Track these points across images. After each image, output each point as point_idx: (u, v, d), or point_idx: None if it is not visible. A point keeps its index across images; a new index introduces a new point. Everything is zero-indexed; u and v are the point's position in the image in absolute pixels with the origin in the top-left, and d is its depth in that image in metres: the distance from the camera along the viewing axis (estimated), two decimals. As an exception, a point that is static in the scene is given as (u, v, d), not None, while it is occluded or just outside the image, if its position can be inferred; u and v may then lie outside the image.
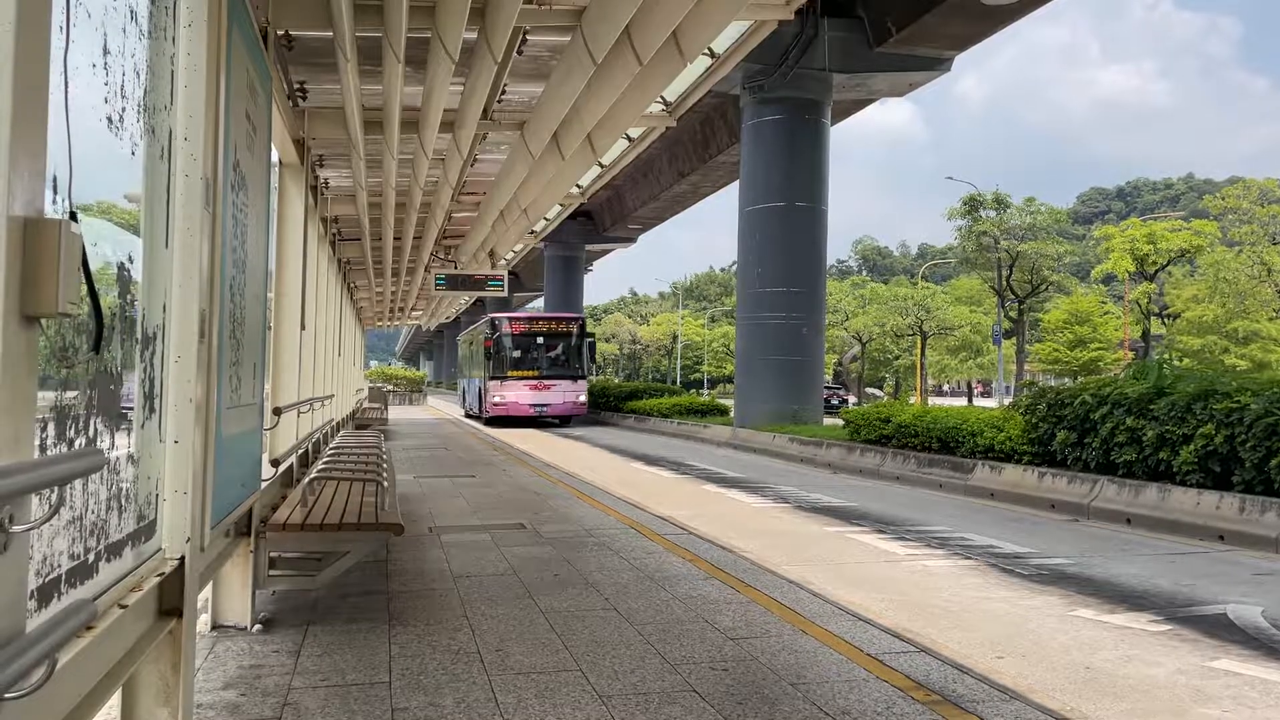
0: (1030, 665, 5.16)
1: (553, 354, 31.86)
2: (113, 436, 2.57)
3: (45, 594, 2.09)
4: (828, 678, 4.49)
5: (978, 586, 7.16)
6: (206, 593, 5.13)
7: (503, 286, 19.10)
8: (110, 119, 2.45)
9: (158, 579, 2.93)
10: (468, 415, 37.56)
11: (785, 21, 7.68)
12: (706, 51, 8.47)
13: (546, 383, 31.12)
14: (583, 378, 32.29)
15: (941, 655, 4.89)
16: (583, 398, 32.05)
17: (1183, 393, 10.50)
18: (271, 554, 5.51)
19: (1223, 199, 43.59)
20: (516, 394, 30.77)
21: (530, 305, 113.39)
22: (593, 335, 33.34)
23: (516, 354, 31.38)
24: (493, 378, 31.01)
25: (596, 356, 34.91)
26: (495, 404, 30.78)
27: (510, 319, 32.71)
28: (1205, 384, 10.51)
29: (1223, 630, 5.90)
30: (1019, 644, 5.58)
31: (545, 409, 31.05)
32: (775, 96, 22.69)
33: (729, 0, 6.11)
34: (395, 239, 15.23)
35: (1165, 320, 50.14)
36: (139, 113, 2.73)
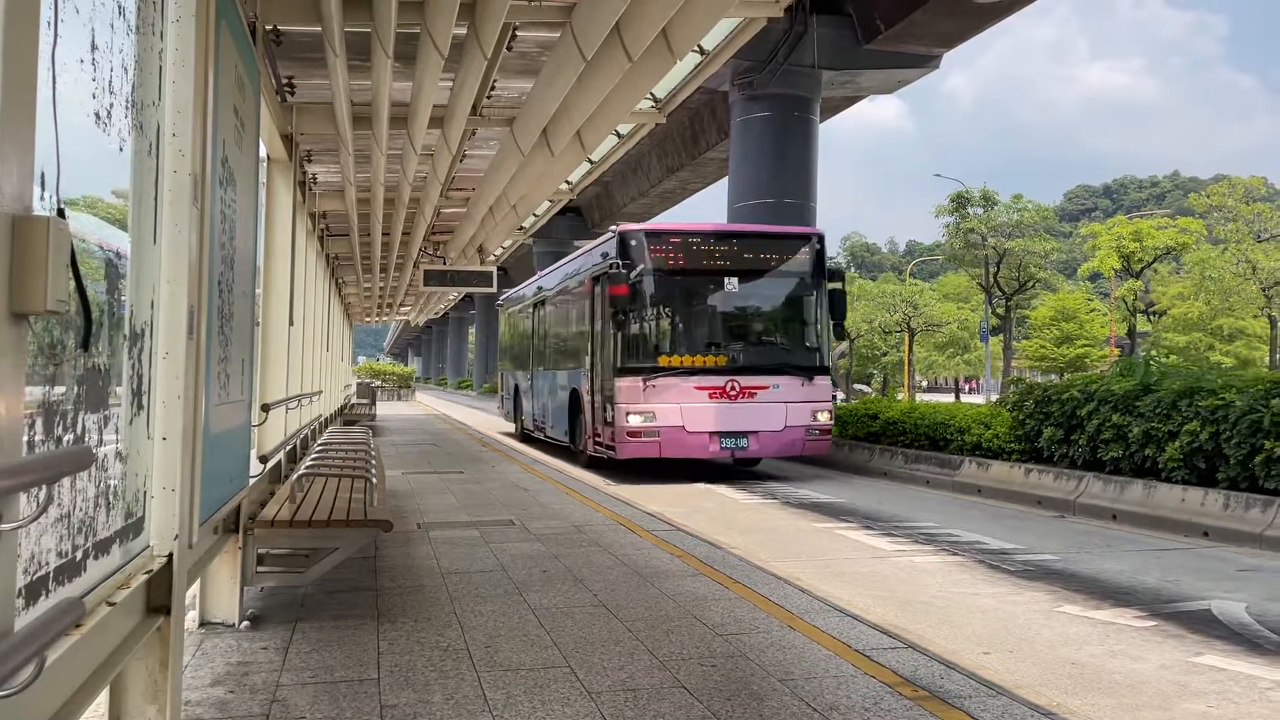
0: (1017, 661, 5.19)
1: (759, 319, 15.16)
2: (101, 433, 2.56)
3: (33, 592, 2.08)
4: (816, 674, 4.51)
5: (965, 582, 7.19)
6: (194, 589, 5.12)
7: (492, 282, 19.10)
8: (98, 115, 2.44)
9: (146, 576, 2.93)
10: (527, 437, 21.33)
11: (775, 19, 7.69)
12: (696, 48, 8.48)
13: (745, 384, 13.94)
14: (822, 370, 14.71)
15: (929, 651, 4.92)
16: (823, 416, 14.48)
17: (1168, 389, 10.56)
18: (260, 550, 5.50)
19: (1208, 197, 43.86)
20: (680, 408, 13.68)
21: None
22: (841, 277, 15.17)
23: (682, 317, 14.78)
24: (622, 371, 13.87)
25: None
26: (630, 429, 13.60)
27: (663, 237, 14.45)
28: (1191, 381, 10.57)
29: (1207, 625, 5.94)
30: (1006, 640, 5.61)
31: (746, 443, 13.97)
32: (764, 93, 22.70)
33: (719, -3, 6.10)
34: (384, 234, 15.20)
35: (1151, 317, 50.42)
36: (127, 108, 2.72)
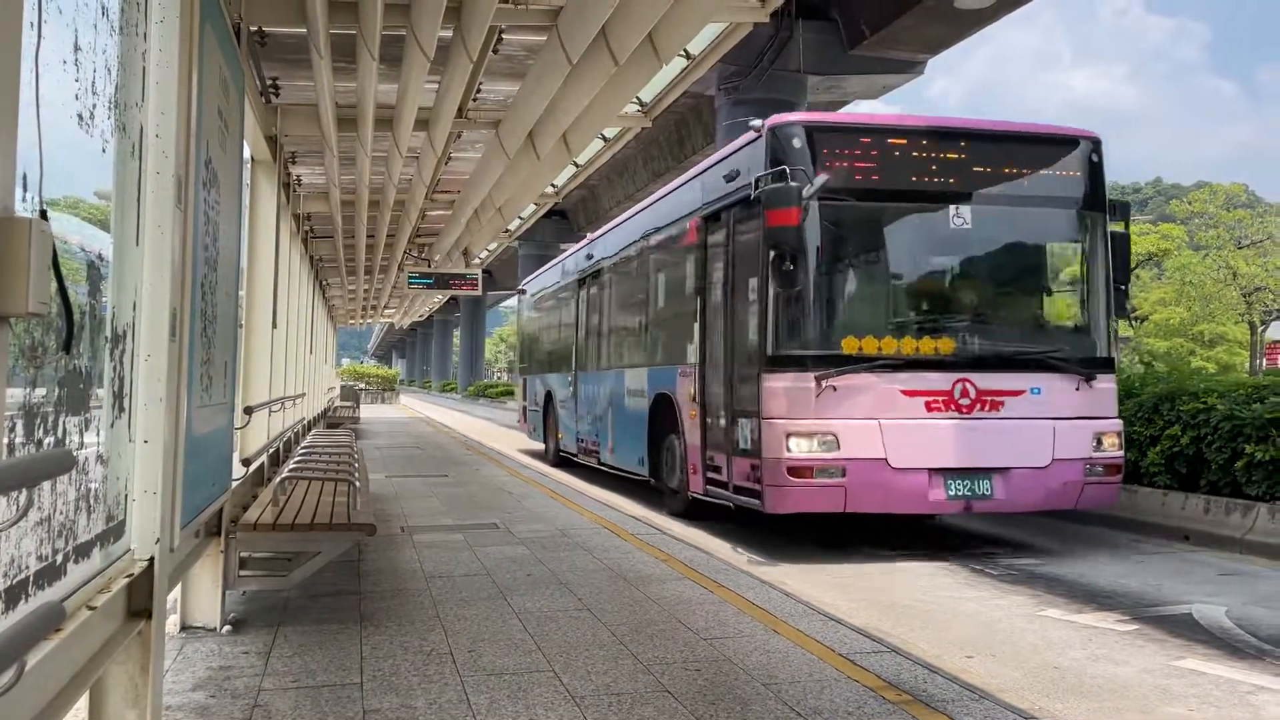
0: (1000, 665, 5.21)
1: (1004, 278, 9.14)
2: (82, 436, 2.54)
3: (13, 596, 2.07)
4: (799, 678, 4.51)
5: (948, 586, 7.21)
6: (176, 593, 5.08)
7: (477, 284, 19.07)
8: (81, 116, 2.43)
9: (126, 580, 2.91)
10: (565, 461, 16.17)
11: (760, 23, 7.72)
12: (682, 53, 8.51)
13: (985, 386, 8.19)
14: (1105, 365, 8.80)
15: (912, 655, 4.93)
16: (1111, 443, 8.51)
17: (1150, 393, 10.63)
18: (242, 554, 5.47)
19: (1190, 203, 44.37)
20: (879, 427, 7.91)
21: (504, 305, 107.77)
22: (1125, 214, 9.30)
23: (876, 273, 8.91)
24: (776, 363, 8.07)
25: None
26: (793, 463, 7.79)
27: (848, 135, 8.48)
28: (1173, 385, 10.64)
29: (1188, 630, 5.98)
30: (989, 644, 5.64)
31: (989, 487, 8.08)
32: (750, 98, 22.75)
33: (705, 2, 6.14)
34: (368, 237, 15.17)
35: (1133, 323, 50.79)
36: (110, 109, 2.71)
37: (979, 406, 8.12)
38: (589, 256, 15.18)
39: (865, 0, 20.98)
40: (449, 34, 6.50)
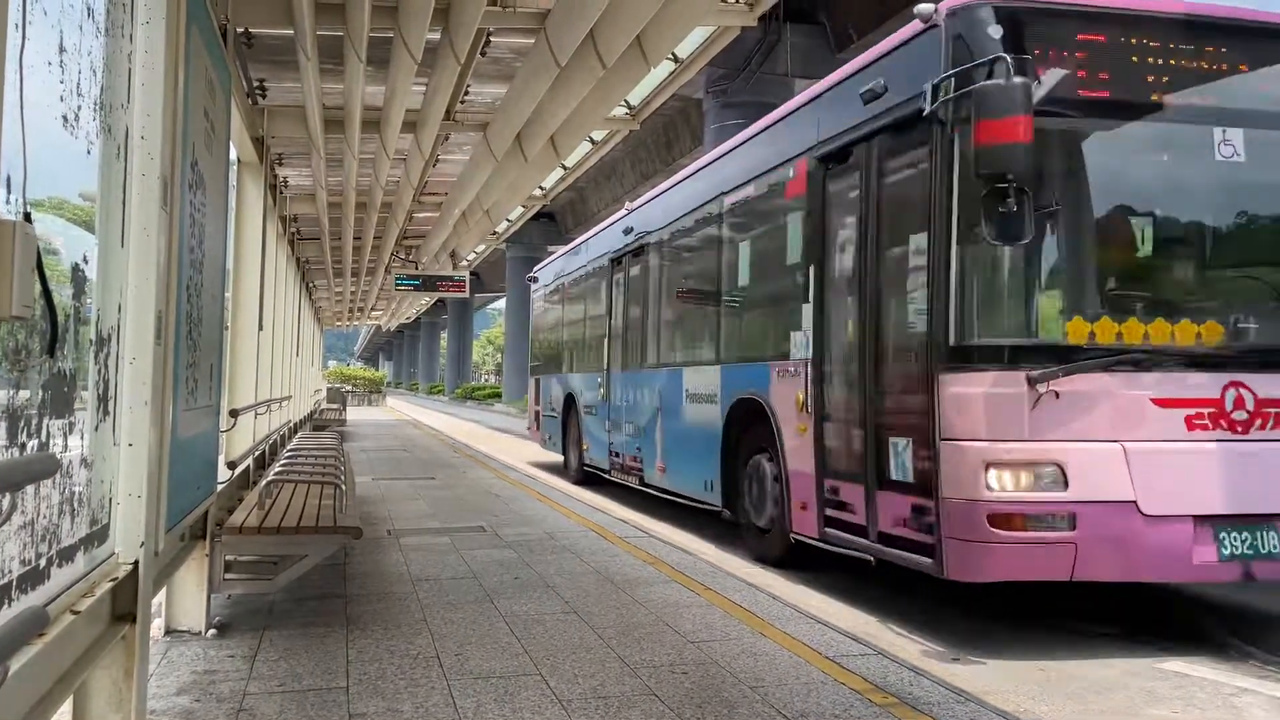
0: (986, 667, 5.22)
1: None
2: (66, 440, 2.53)
3: (-5, 601, 2.06)
4: (786, 681, 4.52)
5: (935, 587, 7.23)
6: (160, 597, 5.06)
7: (465, 286, 19.05)
8: (66, 117, 2.42)
9: (111, 584, 2.89)
10: (591, 478, 13.63)
11: (749, 28, 7.75)
12: (670, 56, 8.52)
13: (1268, 400, 5.41)
14: None
15: (899, 658, 4.94)
16: None
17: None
18: (227, 557, 5.45)
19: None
20: (1123, 452, 5.24)
21: (491, 308, 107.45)
22: None
23: (1106, 227, 5.76)
24: (963, 356, 5.34)
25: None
26: (999, 508, 5.17)
27: (1064, 21, 5.51)
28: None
29: (1174, 631, 6.01)
30: (975, 646, 5.65)
31: (1275, 543, 5.28)
32: (738, 101, 22.82)
33: (693, 6, 6.16)
34: (355, 238, 15.15)
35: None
36: (95, 111, 2.70)
37: (1259, 423, 5.56)
38: (628, 230, 12.15)
39: (852, 4, 21.06)
40: (436, 36, 6.50)
